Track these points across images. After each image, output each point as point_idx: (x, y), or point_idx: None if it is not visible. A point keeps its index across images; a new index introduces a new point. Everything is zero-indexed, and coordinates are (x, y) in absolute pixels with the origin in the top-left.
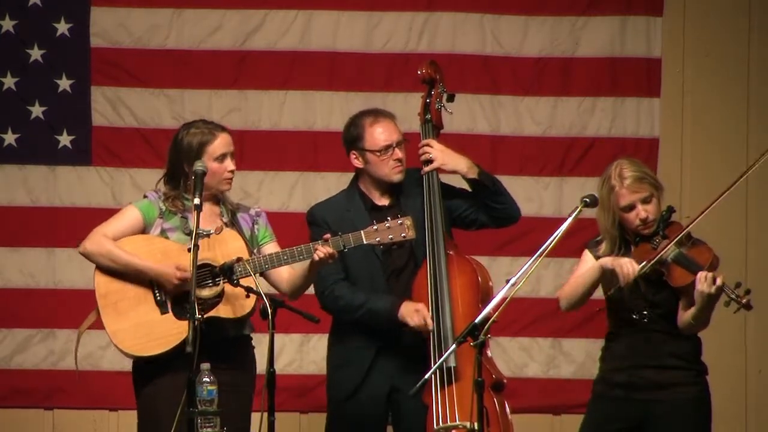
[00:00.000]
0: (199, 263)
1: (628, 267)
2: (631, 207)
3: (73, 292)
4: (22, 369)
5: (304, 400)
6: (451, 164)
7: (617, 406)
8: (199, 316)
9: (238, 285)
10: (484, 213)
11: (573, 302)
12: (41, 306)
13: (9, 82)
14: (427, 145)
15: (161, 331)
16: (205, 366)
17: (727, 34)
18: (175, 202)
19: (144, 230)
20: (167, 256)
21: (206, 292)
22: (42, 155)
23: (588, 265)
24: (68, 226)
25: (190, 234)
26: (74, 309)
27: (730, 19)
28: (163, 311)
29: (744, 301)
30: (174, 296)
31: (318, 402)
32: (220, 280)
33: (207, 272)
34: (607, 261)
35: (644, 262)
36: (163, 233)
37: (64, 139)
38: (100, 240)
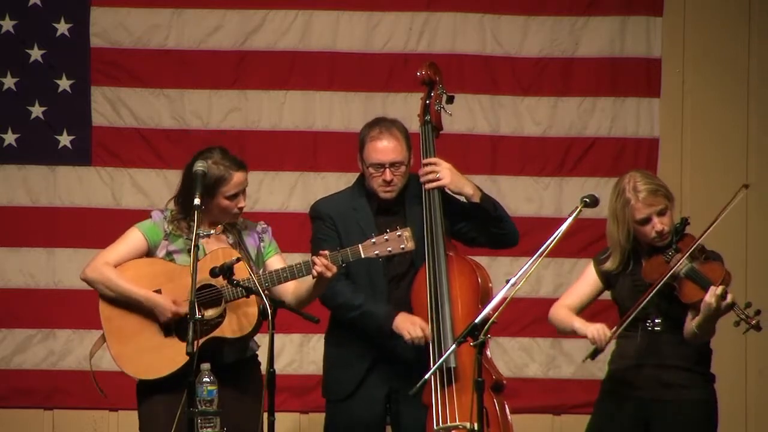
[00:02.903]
0: (201, 284)
1: (600, 334)
2: (647, 220)
3: (73, 292)
4: (22, 369)
5: (304, 400)
6: (457, 185)
7: (623, 405)
8: (199, 317)
9: (237, 285)
10: (484, 235)
11: (556, 328)
12: (41, 306)
13: (9, 82)
14: (434, 164)
15: (165, 355)
16: (205, 366)
17: (726, 34)
18: (180, 224)
19: (149, 253)
20: (170, 278)
21: (209, 313)
22: (42, 155)
23: (588, 279)
24: (68, 226)
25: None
26: (74, 309)
27: (730, 19)
28: (167, 334)
29: (754, 322)
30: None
31: (318, 402)
32: (221, 300)
33: (208, 293)
34: (580, 327)
35: (615, 327)
36: (169, 255)
37: (64, 139)
38: (101, 268)
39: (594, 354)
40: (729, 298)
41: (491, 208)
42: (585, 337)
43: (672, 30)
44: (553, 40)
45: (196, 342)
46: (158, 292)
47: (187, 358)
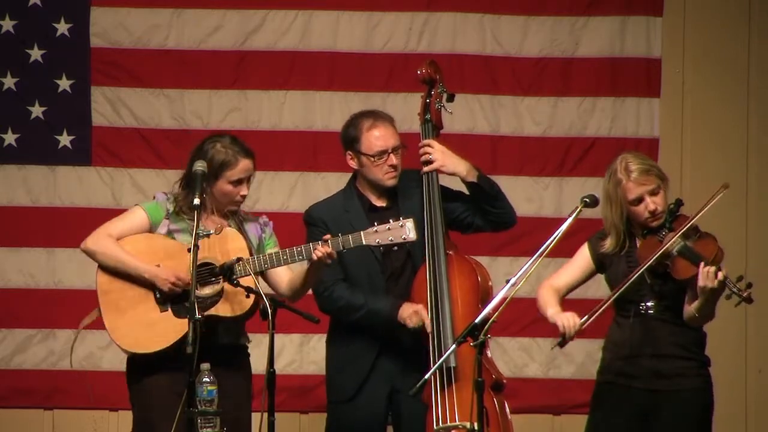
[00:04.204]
0: (199, 262)
1: (569, 322)
2: (639, 200)
3: (73, 292)
4: (22, 369)
5: (304, 400)
6: (450, 166)
7: (621, 399)
8: (199, 317)
9: (238, 285)
10: (480, 217)
11: (539, 309)
12: (41, 306)
13: (9, 82)
14: (428, 145)
15: (160, 329)
16: (205, 366)
17: (726, 34)
18: (183, 208)
19: (150, 231)
20: (169, 254)
21: (206, 291)
22: (42, 155)
23: (580, 261)
24: (68, 226)
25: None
26: (74, 309)
27: (730, 19)
28: (163, 309)
29: (745, 294)
30: (174, 295)
31: (318, 402)
32: (219, 279)
33: (207, 271)
34: (552, 315)
35: (586, 317)
36: (170, 234)
37: (64, 139)
38: (102, 239)
39: (562, 342)
40: (720, 275)
41: (487, 186)
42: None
43: (672, 30)
44: (553, 40)
45: (196, 342)
46: (157, 266)
47: (181, 334)
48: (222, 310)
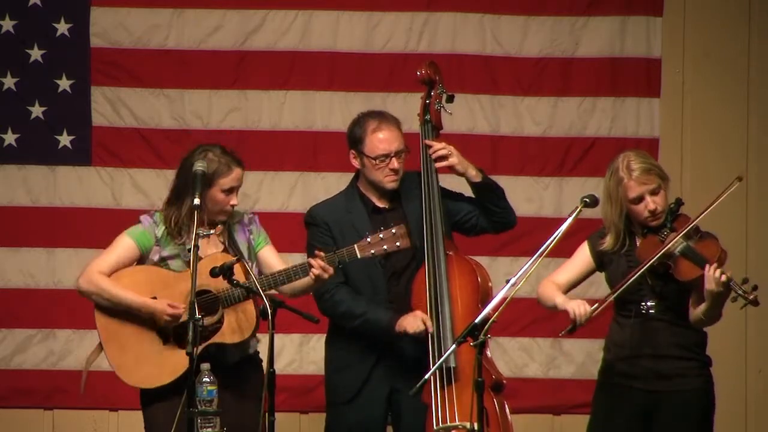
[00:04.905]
0: (198, 289)
1: (580, 309)
2: (639, 199)
3: (73, 292)
4: (22, 369)
5: (304, 400)
6: (462, 168)
7: (620, 396)
8: (199, 317)
9: (237, 285)
10: (484, 217)
11: (541, 304)
12: (41, 306)
13: (9, 82)
14: (444, 147)
15: (166, 362)
16: (205, 366)
17: (726, 34)
18: (173, 231)
19: (141, 259)
20: (166, 285)
21: (206, 321)
22: (42, 155)
23: (581, 259)
24: (68, 226)
25: (189, 261)
26: (74, 309)
27: (730, 19)
28: (166, 342)
29: (751, 297)
30: (175, 326)
31: (318, 402)
32: (218, 306)
33: (205, 299)
34: (561, 302)
35: (596, 305)
36: (163, 261)
37: (64, 139)
38: (95, 278)
39: (572, 329)
40: (724, 277)
41: (493, 185)
42: (565, 311)
43: (672, 30)
44: (553, 40)
45: (195, 343)
46: (154, 299)
47: (187, 366)
48: (226, 336)
